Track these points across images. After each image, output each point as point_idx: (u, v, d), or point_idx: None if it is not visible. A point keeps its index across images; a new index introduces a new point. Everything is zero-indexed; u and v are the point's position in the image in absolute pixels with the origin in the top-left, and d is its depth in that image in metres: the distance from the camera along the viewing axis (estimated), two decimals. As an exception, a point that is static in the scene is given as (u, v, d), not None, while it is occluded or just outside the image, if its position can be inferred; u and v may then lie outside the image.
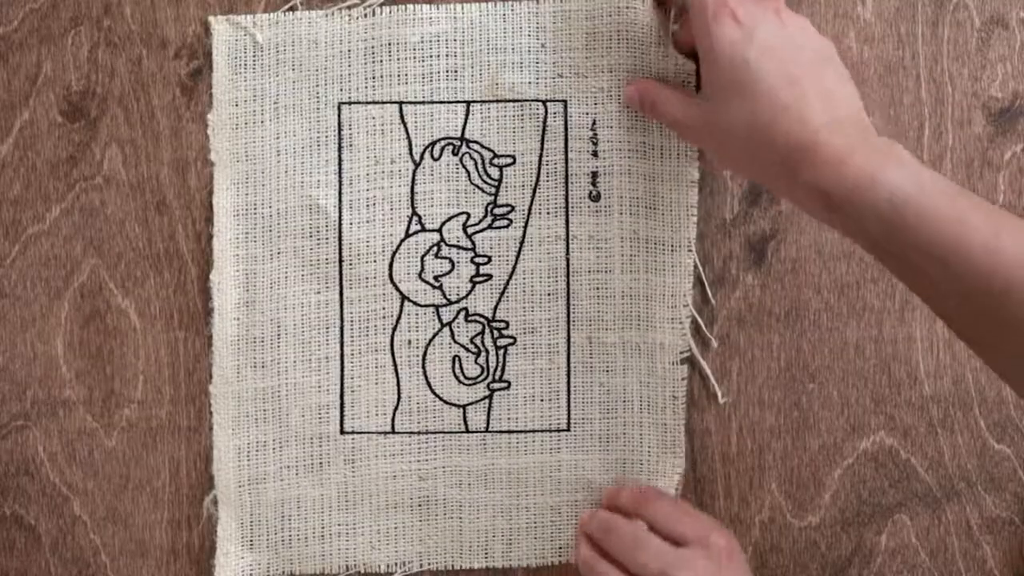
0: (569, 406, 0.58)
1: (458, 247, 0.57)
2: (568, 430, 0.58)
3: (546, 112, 0.57)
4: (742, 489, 0.58)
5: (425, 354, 0.57)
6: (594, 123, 0.56)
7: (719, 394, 0.58)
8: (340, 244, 0.57)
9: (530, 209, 0.57)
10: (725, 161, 0.52)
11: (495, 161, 0.57)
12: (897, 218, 0.43)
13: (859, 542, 0.58)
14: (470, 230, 0.57)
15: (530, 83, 0.57)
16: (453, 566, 0.58)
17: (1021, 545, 0.58)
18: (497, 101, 0.57)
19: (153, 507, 0.59)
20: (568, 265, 0.57)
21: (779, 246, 0.58)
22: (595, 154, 0.57)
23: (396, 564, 0.58)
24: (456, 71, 0.57)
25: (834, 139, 0.45)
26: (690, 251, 0.56)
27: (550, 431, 0.58)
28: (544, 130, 0.57)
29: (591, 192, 0.57)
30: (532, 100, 0.57)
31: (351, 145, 0.57)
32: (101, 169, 0.58)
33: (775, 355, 0.58)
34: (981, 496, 0.58)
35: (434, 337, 0.57)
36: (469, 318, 0.57)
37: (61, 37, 0.58)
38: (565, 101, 0.57)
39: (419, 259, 0.57)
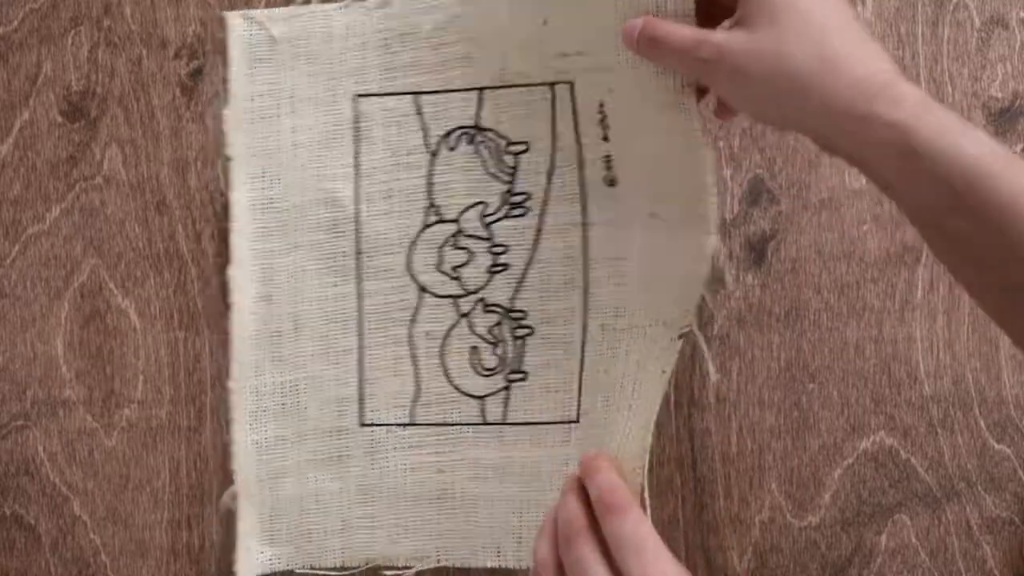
0: (579, 396, 0.57)
1: (475, 237, 0.57)
2: (577, 421, 0.57)
3: (554, 95, 0.56)
4: (742, 489, 0.58)
5: (443, 345, 0.57)
6: (602, 104, 0.54)
7: (711, 371, 0.58)
8: (358, 237, 0.57)
9: (546, 197, 0.57)
10: (756, 100, 0.47)
11: (509, 148, 0.57)
12: (985, 166, 0.41)
13: (859, 542, 0.58)
14: (487, 220, 0.57)
15: (536, 66, 0.55)
16: (467, 564, 0.58)
17: (1021, 545, 0.58)
18: (506, 87, 0.56)
19: (153, 507, 0.59)
20: (585, 253, 0.57)
21: (779, 246, 0.58)
22: (606, 138, 0.55)
23: (414, 558, 0.58)
24: (468, 58, 0.56)
25: (912, 86, 0.43)
26: (708, 233, 0.51)
27: (561, 423, 0.57)
28: (554, 114, 0.56)
29: (605, 176, 0.56)
30: (539, 84, 0.56)
31: (368, 138, 0.57)
32: (101, 169, 0.58)
33: (775, 355, 0.58)
34: (981, 496, 0.58)
35: (452, 328, 0.57)
36: (487, 308, 0.57)
37: (61, 37, 0.58)
38: (571, 83, 0.55)
39: (437, 250, 0.57)
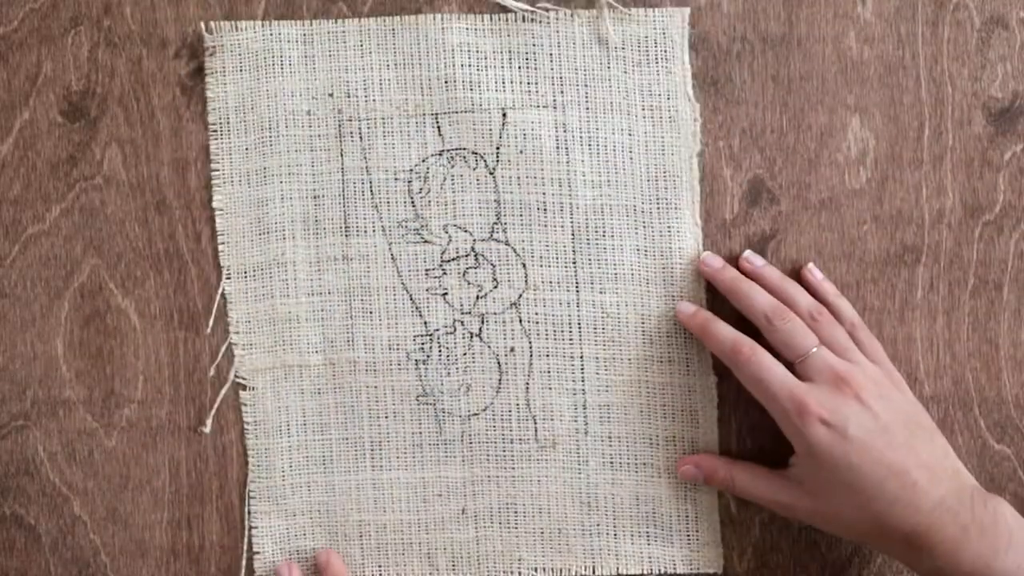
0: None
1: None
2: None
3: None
4: (742, 489, 0.58)
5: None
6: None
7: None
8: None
9: None
10: (829, 530, 0.54)
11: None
12: None
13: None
14: None
15: None
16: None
17: (1021, 545, 0.58)
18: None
19: (153, 507, 0.59)
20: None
21: (779, 246, 0.58)
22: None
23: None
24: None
25: (946, 524, 0.48)
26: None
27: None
28: None
29: None
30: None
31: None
32: (101, 169, 0.58)
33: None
34: (981, 496, 0.58)
35: None
36: None
37: (61, 37, 0.58)
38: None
39: None
